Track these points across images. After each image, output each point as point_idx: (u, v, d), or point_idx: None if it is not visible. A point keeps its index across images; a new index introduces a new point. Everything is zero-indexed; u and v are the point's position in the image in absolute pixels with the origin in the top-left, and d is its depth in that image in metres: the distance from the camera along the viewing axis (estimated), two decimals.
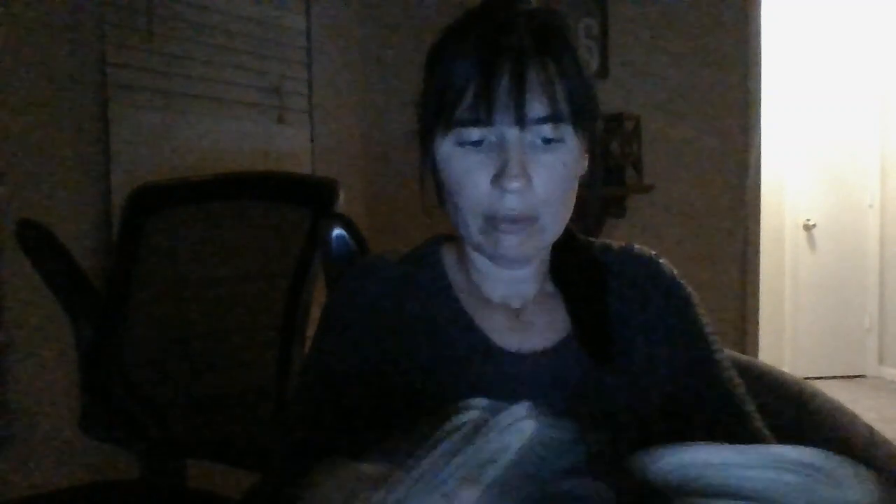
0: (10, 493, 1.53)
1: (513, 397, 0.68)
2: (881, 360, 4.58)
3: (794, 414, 0.87)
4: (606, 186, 2.46)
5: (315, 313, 0.83)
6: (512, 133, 0.63)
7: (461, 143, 0.65)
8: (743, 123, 2.62)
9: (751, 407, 0.72)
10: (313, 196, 1.16)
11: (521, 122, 0.63)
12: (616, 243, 0.77)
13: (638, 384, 0.70)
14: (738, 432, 0.70)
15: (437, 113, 0.66)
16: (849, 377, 4.54)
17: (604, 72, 2.61)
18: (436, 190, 0.71)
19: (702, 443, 0.45)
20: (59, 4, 1.74)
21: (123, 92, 1.89)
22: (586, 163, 0.71)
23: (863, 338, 4.61)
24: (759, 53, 2.66)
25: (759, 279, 2.72)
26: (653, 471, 0.47)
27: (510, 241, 0.66)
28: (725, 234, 2.63)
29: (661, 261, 0.76)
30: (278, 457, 0.71)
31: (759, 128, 2.68)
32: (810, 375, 4.19)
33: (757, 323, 2.72)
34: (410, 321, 0.71)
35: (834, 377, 4.47)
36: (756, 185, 2.69)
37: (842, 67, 4.51)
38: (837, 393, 0.87)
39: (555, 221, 0.68)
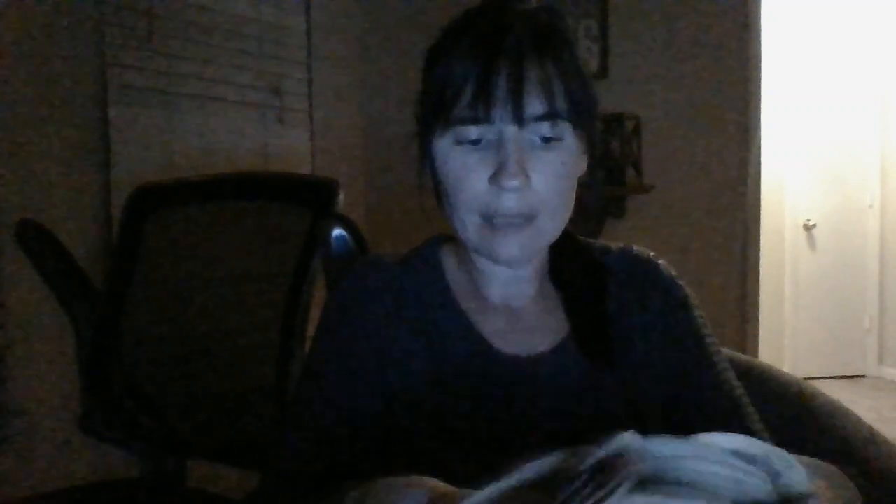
0: (10, 493, 1.53)
1: (511, 400, 0.68)
2: (881, 360, 4.58)
3: (794, 414, 0.87)
4: (606, 186, 2.46)
5: (315, 313, 0.83)
6: (510, 131, 0.63)
7: (459, 142, 0.65)
8: (743, 123, 2.62)
9: (749, 409, 0.72)
10: (313, 196, 1.16)
11: (519, 120, 0.63)
12: (615, 244, 0.77)
13: (636, 386, 0.70)
14: (736, 432, 0.70)
15: (436, 111, 0.66)
16: (849, 377, 4.54)
17: (604, 72, 2.61)
18: (434, 189, 0.71)
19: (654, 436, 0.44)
20: (59, 4, 1.74)
21: (123, 92, 1.89)
22: (585, 163, 0.71)
23: (863, 338, 4.61)
24: (759, 53, 2.66)
25: (759, 279, 2.72)
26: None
27: (508, 244, 0.66)
28: (725, 235, 2.63)
29: (659, 262, 0.76)
30: (278, 458, 0.71)
31: (759, 128, 2.68)
32: (810, 375, 4.19)
33: (757, 323, 2.72)
34: (409, 323, 0.71)
35: (834, 377, 4.47)
36: (756, 185, 2.69)
37: (842, 67, 4.51)
38: (837, 393, 0.87)
39: (553, 221, 0.67)
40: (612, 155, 2.50)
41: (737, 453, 0.43)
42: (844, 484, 0.49)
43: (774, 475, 0.42)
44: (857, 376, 4.57)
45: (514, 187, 0.63)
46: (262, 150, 2.29)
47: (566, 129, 0.65)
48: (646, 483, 0.39)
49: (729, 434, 0.44)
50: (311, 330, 0.86)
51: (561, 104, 0.64)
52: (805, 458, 0.47)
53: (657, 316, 0.72)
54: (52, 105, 1.74)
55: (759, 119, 2.68)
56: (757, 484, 0.42)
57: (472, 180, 0.65)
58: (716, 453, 0.42)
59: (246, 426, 1.20)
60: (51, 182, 1.73)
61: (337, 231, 0.98)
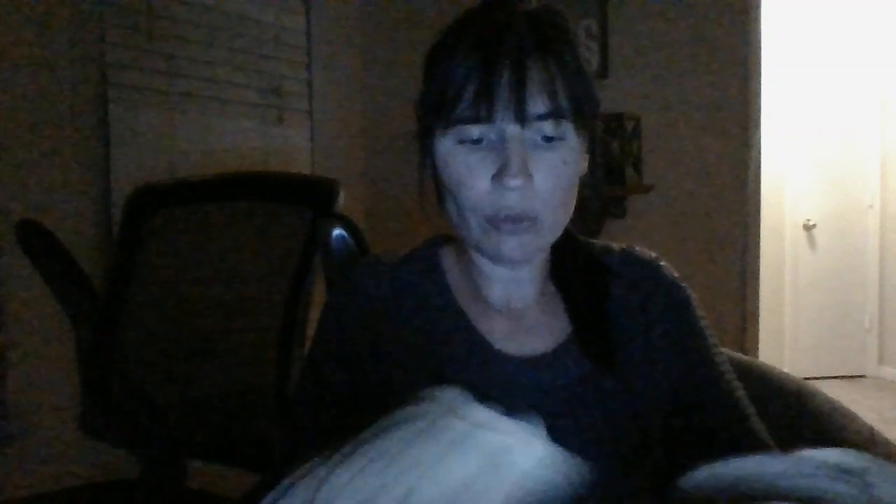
0: (10, 493, 1.53)
1: (512, 401, 0.68)
2: (881, 360, 4.58)
3: (795, 414, 0.87)
4: (606, 186, 2.46)
5: (315, 313, 0.83)
6: (513, 130, 0.63)
7: (461, 142, 0.65)
8: (743, 123, 2.62)
9: (750, 410, 0.71)
10: (313, 196, 1.16)
11: (521, 119, 0.62)
12: (617, 245, 0.77)
13: (637, 387, 0.70)
14: (736, 435, 0.70)
15: (437, 111, 0.65)
16: (849, 377, 4.54)
17: (604, 72, 2.61)
18: (435, 189, 0.71)
19: (734, 458, 0.46)
20: (59, 4, 1.74)
21: (123, 92, 1.89)
22: (586, 163, 0.71)
23: (863, 338, 4.61)
24: (759, 53, 2.65)
25: (759, 279, 2.72)
26: (687, 490, 0.47)
27: (511, 244, 0.66)
28: (725, 235, 2.63)
29: (661, 263, 0.76)
30: (278, 457, 0.71)
31: (759, 128, 2.68)
32: (810, 375, 4.19)
33: (757, 323, 2.72)
34: (409, 323, 0.71)
35: (834, 377, 4.47)
36: (756, 185, 2.68)
37: (842, 67, 4.51)
38: (837, 393, 0.87)
39: (555, 221, 0.67)
40: (612, 155, 2.50)
41: (836, 466, 0.44)
42: None
43: (867, 486, 0.43)
44: (857, 376, 4.57)
45: (516, 186, 0.63)
46: (262, 150, 2.29)
47: (568, 129, 0.65)
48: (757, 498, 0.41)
49: (828, 449, 0.45)
50: (311, 330, 0.86)
51: (563, 103, 0.64)
52: None
53: (658, 317, 0.72)
54: (52, 105, 1.73)
55: (759, 119, 2.68)
56: (850, 494, 0.43)
57: (475, 180, 0.65)
58: (807, 467, 0.43)
59: (246, 426, 1.20)
60: (51, 182, 1.73)
61: (337, 231, 0.98)
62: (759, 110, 2.67)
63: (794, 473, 0.43)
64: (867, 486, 0.43)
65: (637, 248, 0.77)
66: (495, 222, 0.65)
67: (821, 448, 0.46)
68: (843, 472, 0.43)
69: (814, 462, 0.44)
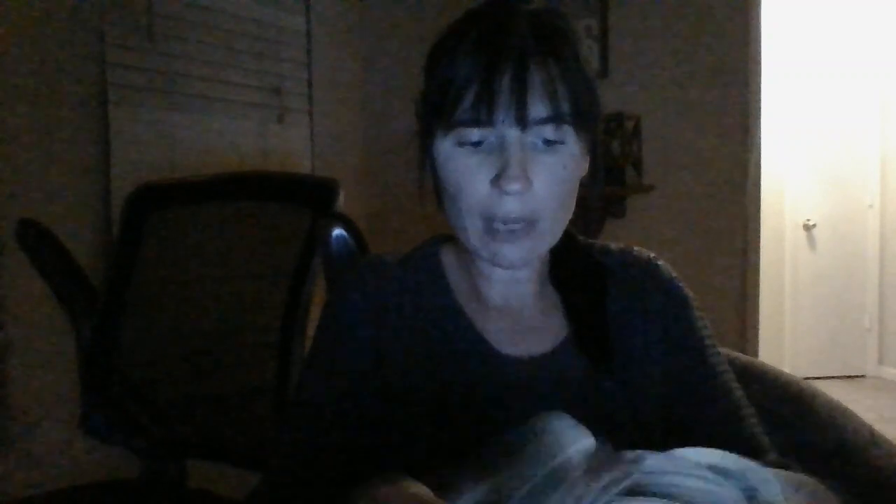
0: (10, 493, 1.53)
1: (511, 401, 0.68)
2: (881, 360, 4.58)
3: (794, 414, 0.87)
4: (606, 186, 2.46)
5: (315, 313, 0.83)
6: (513, 134, 0.63)
7: (461, 144, 0.65)
8: (743, 123, 2.62)
9: (748, 410, 0.71)
10: (313, 196, 1.16)
11: (522, 123, 0.62)
12: (615, 245, 0.77)
13: (636, 387, 0.70)
14: (734, 435, 0.70)
15: (438, 113, 0.65)
16: (849, 377, 4.54)
17: (604, 72, 2.61)
18: (435, 191, 0.71)
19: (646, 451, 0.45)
20: (59, 4, 1.74)
21: (123, 92, 1.90)
22: (587, 165, 0.70)
23: (863, 338, 4.61)
24: (759, 53, 2.65)
25: (759, 279, 2.72)
26: None
27: (508, 251, 0.65)
28: (725, 235, 2.63)
29: (659, 263, 0.76)
30: (277, 458, 0.71)
31: (759, 128, 2.67)
32: (810, 375, 4.19)
33: (757, 323, 2.72)
34: (409, 323, 0.71)
35: (834, 377, 4.47)
36: (756, 185, 2.68)
37: (842, 67, 4.51)
38: (837, 393, 0.87)
39: (554, 225, 0.67)
40: (612, 155, 2.50)
41: (712, 467, 0.43)
42: (827, 500, 0.49)
43: (750, 490, 0.43)
44: (857, 376, 4.57)
45: (515, 191, 0.62)
46: (262, 150, 2.29)
47: (568, 132, 0.65)
48: (631, 493, 0.41)
49: (705, 449, 0.45)
50: (311, 330, 0.86)
51: (564, 107, 0.63)
52: (788, 474, 0.47)
53: (657, 317, 0.72)
54: (52, 105, 1.74)
55: (759, 119, 2.68)
56: (731, 497, 0.42)
57: (474, 183, 0.64)
58: (692, 467, 0.43)
59: (246, 426, 1.20)
60: (51, 182, 1.73)
61: (337, 231, 0.98)
62: (758, 110, 2.67)
63: (672, 470, 0.43)
64: (750, 489, 0.43)
65: (635, 248, 0.77)
66: (493, 230, 0.65)
67: (694, 448, 0.46)
68: (722, 473, 0.43)
69: (691, 462, 0.44)
